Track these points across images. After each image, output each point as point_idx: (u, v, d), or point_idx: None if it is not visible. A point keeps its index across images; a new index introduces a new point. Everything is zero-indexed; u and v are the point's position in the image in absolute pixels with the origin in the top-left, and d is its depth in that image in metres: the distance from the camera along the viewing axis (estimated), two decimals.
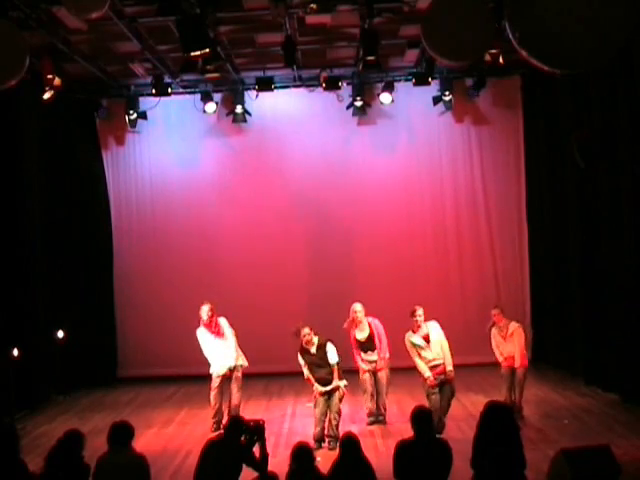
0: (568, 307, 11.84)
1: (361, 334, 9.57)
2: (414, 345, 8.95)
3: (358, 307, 9.62)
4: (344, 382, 8.86)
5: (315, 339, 8.87)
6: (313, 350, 8.85)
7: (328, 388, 8.77)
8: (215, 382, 9.69)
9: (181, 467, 8.10)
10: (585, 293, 11.24)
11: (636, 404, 9.49)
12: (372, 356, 9.58)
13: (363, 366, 9.56)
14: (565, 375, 11.60)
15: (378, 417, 9.63)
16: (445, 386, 8.92)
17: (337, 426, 8.68)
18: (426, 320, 9.03)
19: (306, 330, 8.84)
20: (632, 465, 6.89)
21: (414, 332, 8.99)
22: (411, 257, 13.43)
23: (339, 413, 8.80)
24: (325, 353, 8.83)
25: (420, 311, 8.99)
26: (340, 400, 8.83)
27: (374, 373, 9.59)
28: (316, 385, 8.84)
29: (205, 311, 9.66)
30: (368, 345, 9.56)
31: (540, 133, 12.87)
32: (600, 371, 10.72)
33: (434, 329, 9.01)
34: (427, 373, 8.83)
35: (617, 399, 10.03)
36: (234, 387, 9.70)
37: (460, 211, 13.58)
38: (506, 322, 9.46)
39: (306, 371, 8.94)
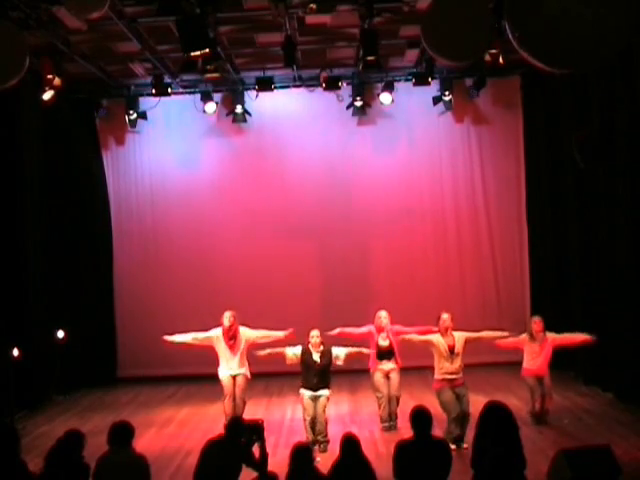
0: (568, 307, 11.82)
1: (383, 342, 9.51)
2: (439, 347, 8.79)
3: (384, 314, 9.57)
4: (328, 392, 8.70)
5: (320, 347, 8.71)
6: (316, 357, 8.69)
7: (316, 393, 8.64)
8: (224, 388, 9.53)
9: (181, 467, 8.09)
10: (585, 293, 11.24)
11: (636, 404, 9.49)
12: (387, 365, 9.49)
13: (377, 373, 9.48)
14: (565, 375, 11.59)
15: (390, 423, 9.35)
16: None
17: (325, 429, 8.56)
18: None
19: (314, 332, 8.75)
20: (632, 465, 6.89)
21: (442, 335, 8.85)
22: (410, 256, 13.43)
23: (325, 421, 8.60)
24: (330, 358, 8.71)
25: (445, 316, 8.85)
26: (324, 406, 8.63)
27: (387, 379, 9.52)
28: (302, 391, 8.73)
29: (227, 317, 9.49)
30: (386, 354, 9.49)
31: (540, 133, 12.86)
32: (600, 371, 10.72)
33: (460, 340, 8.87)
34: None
35: (617, 399, 10.03)
36: (237, 394, 9.53)
37: (460, 211, 13.58)
38: (543, 333, 9.40)
39: (270, 350, 8.88)
